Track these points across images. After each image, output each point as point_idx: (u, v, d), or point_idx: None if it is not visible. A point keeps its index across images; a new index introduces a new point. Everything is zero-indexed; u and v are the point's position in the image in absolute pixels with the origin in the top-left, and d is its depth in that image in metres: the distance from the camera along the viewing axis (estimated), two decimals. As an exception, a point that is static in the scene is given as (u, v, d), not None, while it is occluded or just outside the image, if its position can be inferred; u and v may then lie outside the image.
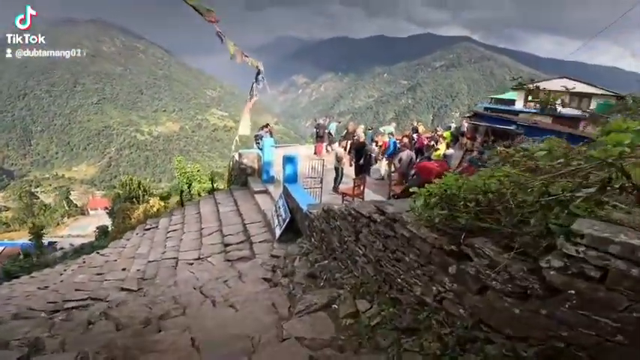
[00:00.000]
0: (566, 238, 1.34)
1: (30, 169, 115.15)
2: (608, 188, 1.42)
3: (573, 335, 1.36)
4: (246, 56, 7.22)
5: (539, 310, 1.47)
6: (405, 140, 9.39)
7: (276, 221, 6.48)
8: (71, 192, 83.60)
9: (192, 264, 6.23)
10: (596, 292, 1.27)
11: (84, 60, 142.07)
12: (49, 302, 5.42)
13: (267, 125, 11.76)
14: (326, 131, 13.54)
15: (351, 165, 9.60)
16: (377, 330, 2.48)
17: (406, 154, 8.31)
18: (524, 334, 1.56)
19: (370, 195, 8.02)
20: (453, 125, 16.22)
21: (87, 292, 5.66)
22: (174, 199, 16.82)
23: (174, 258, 6.70)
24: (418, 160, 8.38)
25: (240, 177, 10.35)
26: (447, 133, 13.16)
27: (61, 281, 7.14)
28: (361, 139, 9.96)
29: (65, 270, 8.56)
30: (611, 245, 1.21)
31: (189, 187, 15.44)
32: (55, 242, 32.66)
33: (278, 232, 6.17)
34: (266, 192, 8.85)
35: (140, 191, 22.92)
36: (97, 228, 26.35)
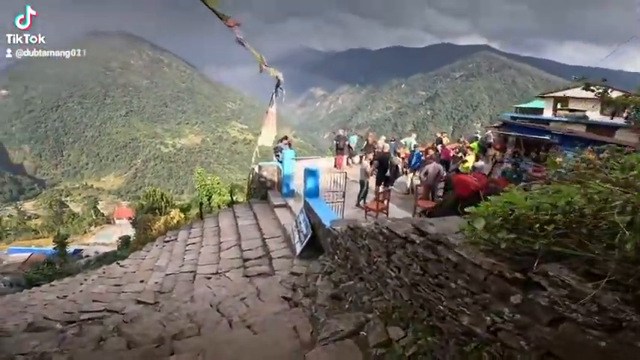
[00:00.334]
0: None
1: (61, 179, 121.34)
2: None
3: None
4: (266, 65, 7.15)
5: (634, 342, 1.26)
6: (431, 152, 8.96)
7: (296, 237, 6.23)
8: (99, 202, 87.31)
9: (209, 278, 6.07)
10: None
11: (114, 73, 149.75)
12: (66, 312, 5.43)
13: (285, 137, 11.59)
14: (346, 143, 13.31)
15: (372, 174, 9.28)
16: (412, 361, 2.14)
17: (433, 167, 7.90)
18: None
19: (394, 210, 7.64)
20: (479, 135, 15.52)
21: (104, 304, 5.63)
22: (194, 211, 16.92)
23: (191, 272, 6.56)
24: (447, 174, 7.94)
25: (260, 190, 10.16)
26: (474, 144, 12.52)
27: (80, 291, 7.18)
28: (385, 150, 9.64)
29: (85, 280, 8.63)
30: None
31: (209, 200, 15.44)
32: (81, 250, 33.72)
33: (299, 248, 5.92)
34: (286, 206, 8.65)
35: (162, 203, 23.41)
36: (120, 238, 27.04)
